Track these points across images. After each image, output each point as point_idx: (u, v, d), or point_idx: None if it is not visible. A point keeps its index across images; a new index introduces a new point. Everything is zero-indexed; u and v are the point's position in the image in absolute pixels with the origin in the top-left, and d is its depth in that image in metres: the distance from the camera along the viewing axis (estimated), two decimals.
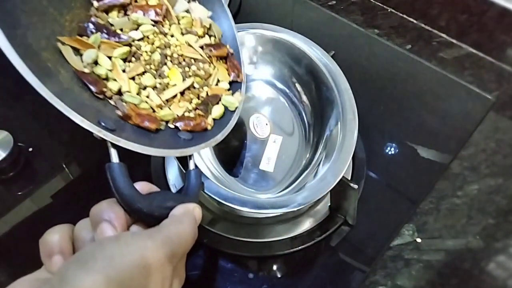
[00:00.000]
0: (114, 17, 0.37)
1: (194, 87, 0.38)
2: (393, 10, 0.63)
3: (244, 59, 0.49)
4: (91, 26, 0.35)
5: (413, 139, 0.51)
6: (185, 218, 0.28)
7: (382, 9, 0.63)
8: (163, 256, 0.25)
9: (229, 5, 0.64)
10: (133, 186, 0.29)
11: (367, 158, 0.48)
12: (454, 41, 0.59)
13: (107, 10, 0.37)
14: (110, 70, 0.34)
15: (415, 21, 0.61)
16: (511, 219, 0.42)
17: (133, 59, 0.36)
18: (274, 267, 0.42)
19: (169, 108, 0.36)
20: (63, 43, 0.32)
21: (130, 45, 0.36)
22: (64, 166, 0.50)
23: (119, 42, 0.35)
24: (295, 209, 0.36)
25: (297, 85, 0.50)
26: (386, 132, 0.52)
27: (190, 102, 0.37)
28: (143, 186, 0.30)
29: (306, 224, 0.44)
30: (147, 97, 0.35)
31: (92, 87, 0.33)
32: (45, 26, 0.31)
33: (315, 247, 0.43)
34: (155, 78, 0.36)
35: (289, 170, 0.46)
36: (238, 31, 0.47)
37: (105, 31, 0.35)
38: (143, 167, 0.48)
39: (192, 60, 0.39)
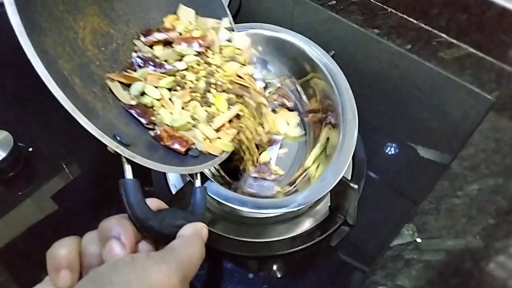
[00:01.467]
0: (159, 50, 0.39)
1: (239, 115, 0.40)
2: (393, 10, 0.63)
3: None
4: (138, 60, 0.37)
5: (413, 139, 0.51)
6: (194, 240, 0.28)
7: (382, 9, 0.63)
8: (177, 282, 0.25)
9: (229, 5, 0.64)
10: (146, 204, 0.28)
11: (367, 158, 0.48)
12: (454, 41, 0.59)
13: (152, 44, 0.39)
14: (158, 100, 0.36)
15: (415, 21, 0.61)
16: (511, 219, 0.42)
17: (178, 88, 0.37)
18: (274, 267, 0.42)
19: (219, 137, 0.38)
20: (111, 80, 0.34)
21: (174, 75, 0.38)
22: (64, 166, 0.50)
23: (164, 73, 0.37)
24: (295, 209, 0.36)
25: (297, 85, 0.50)
26: (386, 132, 0.52)
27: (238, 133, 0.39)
28: (153, 203, 0.30)
29: (306, 224, 0.44)
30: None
31: (141, 119, 0.34)
32: (60, 33, 0.31)
33: (315, 247, 0.43)
34: (202, 106, 0.37)
35: (289, 170, 0.46)
36: (238, 31, 0.48)
37: (151, 63, 0.37)
38: (143, 166, 0.48)
39: (237, 87, 0.40)
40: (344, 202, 0.42)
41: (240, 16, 0.64)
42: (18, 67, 0.59)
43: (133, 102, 0.35)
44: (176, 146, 0.34)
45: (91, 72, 0.33)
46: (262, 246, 0.42)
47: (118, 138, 0.29)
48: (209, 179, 0.38)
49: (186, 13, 0.42)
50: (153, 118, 0.35)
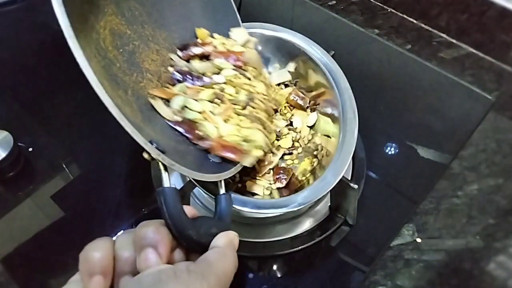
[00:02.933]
0: (196, 63, 0.40)
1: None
2: (393, 10, 0.63)
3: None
4: (177, 74, 0.38)
5: (413, 139, 0.51)
6: (229, 252, 0.28)
7: (382, 9, 0.63)
8: None
9: None
10: (184, 212, 0.28)
11: (367, 158, 0.48)
12: (454, 41, 0.59)
13: (189, 58, 0.40)
14: (199, 112, 0.36)
15: (415, 21, 0.61)
16: (511, 219, 0.42)
17: (217, 100, 0.38)
18: (274, 267, 0.42)
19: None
20: (153, 97, 0.35)
21: (212, 88, 0.38)
22: (64, 166, 0.50)
23: (203, 86, 0.38)
24: (295, 209, 0.36)
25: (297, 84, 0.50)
26: (386, 132, 0.52)
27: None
28: (189, 211, 0.29)
29: (306, 224, 0.44)
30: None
31: (188, 135, 0.35)
32: (87, 34, 0.30)
33: (315, 247, 0.43)
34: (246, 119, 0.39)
35: None
36: None
37: (189, 76, 0.38)
38: (143, 165, 0.48)
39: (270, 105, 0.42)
40: (344, 202, 0.42)
41: (240, 16, 0.64)
42: (18, 67, 0.59)
43: (178, 118, 0.36)
44: (229, 155, 0.35)
45: (114, 74, 0.33)
46: (262, 246, 0.42)
47: (155, 145, 0.28)
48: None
49: (239, 34, 0.44)
50: (198, 132, 0.36)
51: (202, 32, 0.43)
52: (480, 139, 0.48)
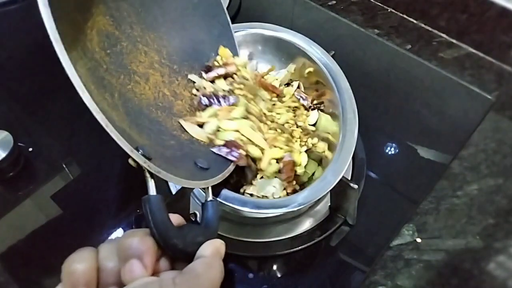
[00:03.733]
0: (221, 84, 0.41)
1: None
2: (393, 10, 0.63)
3: (244, 58, 0.50)
4: (203, 99, 0.39)
5: (413, 139, 0.51)
6: (215, 262, 0.27)
7: (382, 9, 0.63)
8: None
9: (229, 5, 0.64)
10: (170, 221, 0.28)
11: (367, 158, 0.48)
12: (454, 41, 0.59)
13: (213, 79, 0.42)
14: (236, 131, 0.38)
15: (415, 21, 0.61)
16: (511, 219, 0.42)
17: (248, 115, 0.40)
18: (274, 267, 0.42)
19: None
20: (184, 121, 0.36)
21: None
22: (64, 166, 0.50)
23: (231, 105, 0.39)
24: (295, 209, 0.36)
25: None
26: (386, 132, 0.52)
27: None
28: (175, 219, 0.29)
29: (306, 224, 0.44)
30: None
31: (233, 158, 0.37)
32: (73, 35, 0.30)
33: (315, 247, 0.43)
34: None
35: None
36: (238, 31, 0.48)
37: (214, 99, 0.39)
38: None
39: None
40: (344, 202, 0.42)
41: (240, 16, 0.64)
42: (18, 67, 0.59)
43: (219, 142, 0.37)
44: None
45: (101, 77, 0.32)
46: (262, 246, 0.42)
47: (141, 151, 0.28)
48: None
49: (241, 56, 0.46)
50: (242, 152, 0.37)
51: (225, 52, 0.44)
52: (480, 139, 0.48)
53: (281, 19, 0.64)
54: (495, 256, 0.40)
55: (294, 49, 0.47)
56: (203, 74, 0.42)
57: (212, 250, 0.28)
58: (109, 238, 0.44)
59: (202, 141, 0.38)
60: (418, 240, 0.42)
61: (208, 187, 0.34)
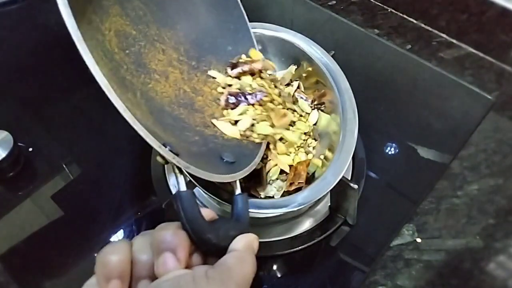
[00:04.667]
0: (247, 80, 0.42)
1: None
2: (393, 10, 0.63)
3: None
4: (230, 98, 0.40)
5: (413, 139, 0.51)
6: (247, 256, 0.27)
7: (382, 9, 0.63)
8: None
9: None
10: (202, 216, 0.27)
11: (367, 158, 0.48)
12: (454, 41, 0.59)
13: (239, 76, 0.42)
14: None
15: (415, 21, 0.61)
16: (511, 219, 0.42)
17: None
18: (274, 267, 0.42)
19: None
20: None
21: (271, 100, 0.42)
22: (64, 166, 0.50)
23: (259, 100, 0.40)
24: (295, 209, 0.36)
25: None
26: (386, 132, 0.52)
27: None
28: (207, 214, 0.29)
29: (306, 224, 0.44)
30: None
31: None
32: (92, 36, 0.30)
33: (315, 247, 0.43)
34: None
35: None
36: None
37: (241, 96, 0.40)
38: (143, 165, 0.48)
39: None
40: (344, 202, 0.42)
41: None
42: (18, 67, 0.59)
43: (256, 138, 0.39)
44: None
45: (122, 77, 0.32)
46: (262, 246, 0.42)
47: (169, 148, 0.28)
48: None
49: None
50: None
51: (255, 54, 0.44)
52: (480, 139, 0.48)
53: (281, 19, 0.64)
54: (495, 256, 0.40)
55: (294, 49, 0.47)
56: (228, 70, 0.42)
57: (244, 243, 0.28)
58: (110, 239, 0.44)
59: (227, 136, 0.38)
60: (418, 240, 0.42)
61: (236, 181, 0.33)
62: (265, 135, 0.39)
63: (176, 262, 0.25)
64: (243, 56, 0.44)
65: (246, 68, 0.42)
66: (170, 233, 0.26)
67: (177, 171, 0.28)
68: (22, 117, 0.54)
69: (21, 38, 0.62)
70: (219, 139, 0.37)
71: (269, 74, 0.48)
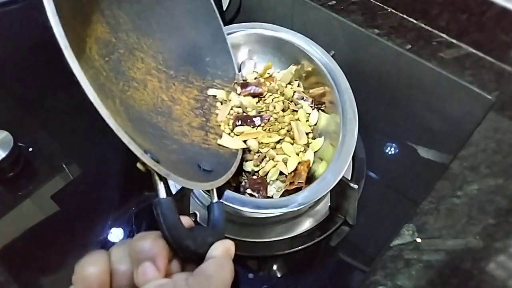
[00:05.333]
0: (251, 101, 0.44)
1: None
2: (393, 10, 0.63)
3: (245, 58, 0.50)
4: (237, 122, 0.42)
5: (413, 139, 0.51)
6: (225, 263, 0.27)
7: (382, 9, 0.63)
8: None
9: (229, 5, 0.64)
10: (182, 223, 0.28)
11: (367, 158, 0.48)
12: (454, 41, 0.59)
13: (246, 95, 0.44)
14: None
15: (415, 21, 0.61)
16: (511, 219, 0.42)
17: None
18: (274, 267, 0.42)
19: None
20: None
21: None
22: (64, 166, 0.50)
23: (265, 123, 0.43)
24: (295, 209, 0.36)
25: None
26: (386, 132, 0.52)
27: None
28: (185, 221, 0.29)
29: (306, 224, 0.44)
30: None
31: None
32: (74, 43, 0.30)
33: (315, 247, 0.43)
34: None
35: None
36: (238, 31, 0.48)
37: (248, 120, 0.42)
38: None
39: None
40: (344, 202, 0.42)
41: (240, 16, 0.64)
42: (18, 67, 0.59)
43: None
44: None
45: (102, 84, 0.32)
46: (262, 246, 0.42)
47: (149, 154, 0.28)
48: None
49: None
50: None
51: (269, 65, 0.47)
52: (480, 139, 0.48)
53: (281, 19, 0.64)
54: (495, 256, 0.40)
55: (294, 49, 0.47)
56: (237, 88, 0.44)
57: (222, 250, 0.28)
58: (110, 238, 0.44)
59: (204, 145, 0.38)
60: (418, 240, 0.42)
61: (213, 189, 0.34)
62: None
63: (155, 271, 0.25)
64: (250, 76, 0.46)
65: (256, 91, 0.44)
66: (149, 242, 0.25)
67: (157, 178, 0.28)
68: (22, 117, 0.54)
69: (21, 38, 0.62)
70: (196, 148, 0.38)
71: (269, 74, 0.48)
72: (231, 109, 0.44)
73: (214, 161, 0.37)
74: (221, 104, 0.44)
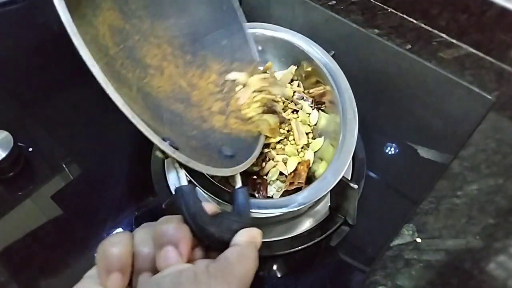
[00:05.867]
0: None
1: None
2: (393, 10, 0.63)
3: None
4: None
5: (413, 139, 0.51)
6: (249, 252, 0.27)
7: (382, 9, 0.63)
8: None
9: None
10: (205, 210, 0.27)
11: (367, 158, 0.48)
12: (454, 41, 0.59)
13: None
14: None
15: (415, 21, 0.61)
16: (511, 219, 0.42)
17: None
18: (274, 267, 0.42)
19: None
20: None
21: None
22: (64, 166, 0.50)
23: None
24: (295, 209, 0.36)
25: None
26: (386, 132, 0.52)
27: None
28: (210, 208, 0.28)
29: (306, 224, 0.44)
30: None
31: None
32: (86, 31, 0.29)
33: (315, 247, 0.43)
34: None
35: None
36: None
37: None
38: (143, 164, 0.48)
39: None
40: (344, 202, 0.42)
41: None
42: (18, 67, 0.59)
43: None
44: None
45: (117, 72, 0.32)
46: (262, 246, 0.42)
47: (168, 142, 0.27)
48: (211, 180, 0.38)
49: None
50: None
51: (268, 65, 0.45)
52: (480, 139, 0.48)
53: (281, 19, 0.64)
54: (495, 256, 0.40)
55: (294, 49, 0.47)
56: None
57: (247, 238, 0.28)
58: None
59: (225, 129, 0.38)
60: (418, 240, 0.42)
61: (236, 175, 0.33)
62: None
63: (178, 256, 0.25)
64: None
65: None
66: (173, 227, 0.25)
67: (177, 165, 0.28)
68: (22, 117, 0.54)
69: (21, 38, 0.62)
70: (216, 133, 0.37)
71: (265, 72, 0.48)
72: (253, 92, 0.42)
73: (236, 146, 0.36)
74: (243, 87, 0.42)
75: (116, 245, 0.25)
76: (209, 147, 0.35)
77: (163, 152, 0.27)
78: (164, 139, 0.27)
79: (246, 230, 0.28)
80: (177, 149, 0.28)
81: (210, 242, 0.27)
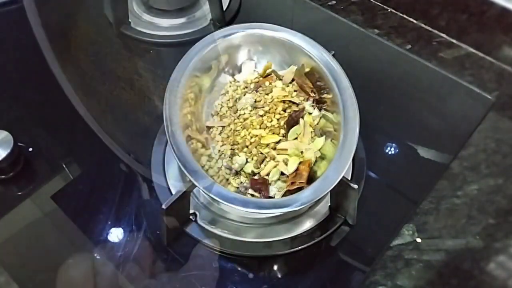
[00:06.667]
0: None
1: None
2: (393, 10, 0.63)
3: (245, 59, 0.50)
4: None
5: (413, 139, 0.51)
6: None
7: (382, 9, 0.63)
8: None
9: (228, 6, 0.64)
10: None
11: (367, 158, 0.48)
12: (454, 41, 0.59)
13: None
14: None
15: (415, 21, 0.61)
16: (511, 219, 0.42)
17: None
18: (274, 267, 0.42)
19: None
20: None
21: None
22: (64, 166, 0.50)
23: None
24: (296, 208, 0.36)
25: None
26: (386, 132, 0.52)
27: None
28: None
29: (306, 224, 0.44)
30: None
31: None
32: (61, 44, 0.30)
33: (315, 247, 0.43)
34: None
35: None
36: (238, 31, 0.48)
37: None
38: (143, 165, 0.48)
39: None
40: (344, 202, 0.42)
41: (240, 16, 0.64)
42: (18, 67, 0.59)
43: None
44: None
45: (87, 84, 0.32)
46: (262, 246, 0.42)
47: None
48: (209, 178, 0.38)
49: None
50: None
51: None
52: (480, 139, 0.48)
53: (281, 19, 0.64)
54: (495, 256, 0.40)
55: (294, 49, 0.47)
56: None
57: None
58: (108, 237, 0.44)
59: None
60: (418, 240, 0.42)
61: None
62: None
63: None
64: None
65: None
66: None
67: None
68: (22, 117, 0.54)
69: (21, 38, 0.62)
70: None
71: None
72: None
73: None
74: None
75: (76, 269, 0.24)
76: None
77: None
78: None
79: None
80: None
81: None
